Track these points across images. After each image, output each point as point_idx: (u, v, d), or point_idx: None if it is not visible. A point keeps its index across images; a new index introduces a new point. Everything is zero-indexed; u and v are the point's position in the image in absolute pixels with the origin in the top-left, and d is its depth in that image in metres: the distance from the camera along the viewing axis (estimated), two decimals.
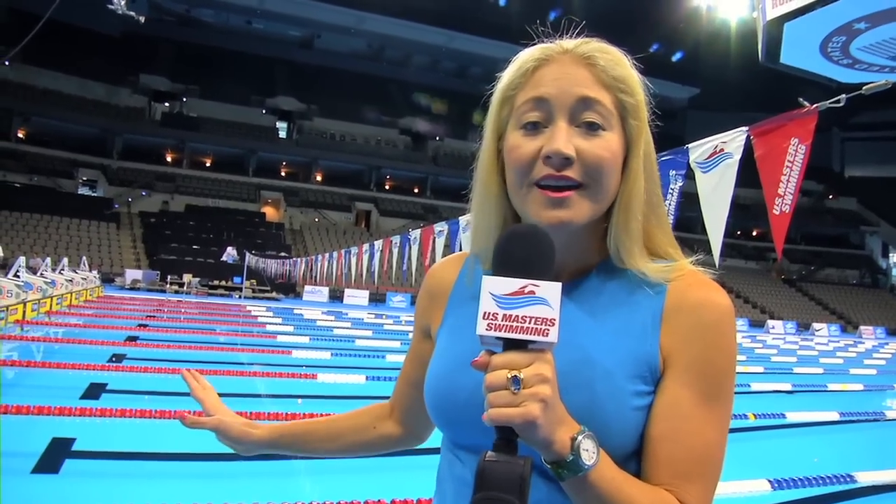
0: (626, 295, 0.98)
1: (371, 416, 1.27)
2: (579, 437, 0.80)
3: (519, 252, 0.80)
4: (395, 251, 10.86)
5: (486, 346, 0.80)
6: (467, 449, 0.99)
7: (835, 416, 8.12)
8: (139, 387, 7.10)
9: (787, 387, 10.62)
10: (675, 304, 0.95)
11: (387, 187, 49.30)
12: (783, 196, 2.84)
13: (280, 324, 15.72)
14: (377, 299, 31.42)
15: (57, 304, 14.40)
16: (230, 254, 30.62)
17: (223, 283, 27.99)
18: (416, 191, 49.84)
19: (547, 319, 0.76)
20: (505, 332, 0.77)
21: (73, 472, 4.52)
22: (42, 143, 39.69)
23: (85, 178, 41.30)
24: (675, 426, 0.90)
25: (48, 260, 15.74)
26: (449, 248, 7.49)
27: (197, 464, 4.99)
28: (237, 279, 27.84)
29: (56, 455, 4.74)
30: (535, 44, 1.00)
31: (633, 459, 0.92)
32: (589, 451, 0.80)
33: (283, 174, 47.34)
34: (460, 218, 6.68)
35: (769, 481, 4.45)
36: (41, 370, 7.85)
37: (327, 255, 17.75)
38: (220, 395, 1.26)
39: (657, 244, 1.00)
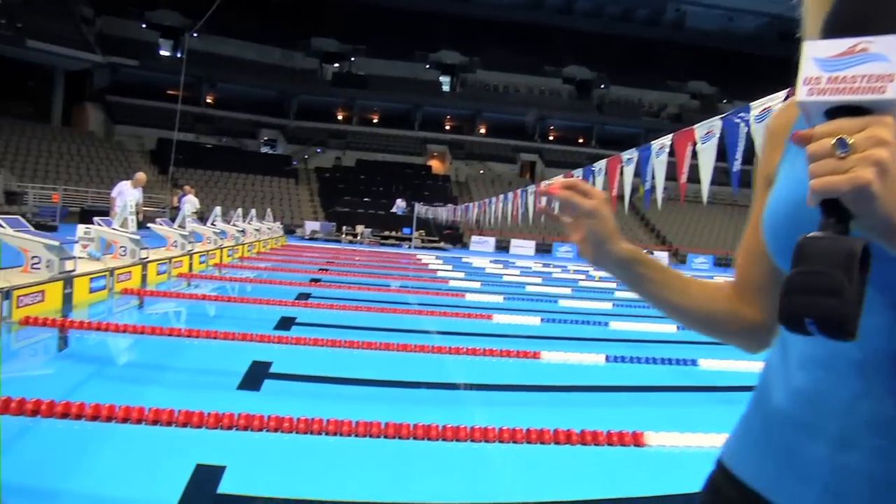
0: None
1: (720, 289, 1.08)
2: None
3: (850, 8, 0.62)
4: None
5: (809, 123, 0.63)
6: None
7: None
8: (325, 321, 7.44)
9: None
10: None
11: (551, 138, 48.48)
12: None
13: (451, 270, 15.97)
14: (544, 249, 31.20)
15: (248, 250, 15.57)
16: (399, 205, 31.59)
17: (393, 233, 28.95)
18: (580, 141, 48.63)
19: (883, 76, 0.58)
20: (829, 94, 0.60)
21: (273, 391, 4.79)
22: (228, 106, 42.89)
23: (266, 138, 44.32)
24: None
25: (239, 211, 17.02)
26: (640, 176, 6.88)
27: (384, 389, 5.14)
28: (406, 230, 28.68)
29: (257, 375, 5.04)
30: None
31: None
32: None
33: (447, 127, 47.91)
34: (652, 143, 6.20)
35: None
36: (239, 304, 8.46)
37: (501, 196, 17.53)
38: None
39: None
